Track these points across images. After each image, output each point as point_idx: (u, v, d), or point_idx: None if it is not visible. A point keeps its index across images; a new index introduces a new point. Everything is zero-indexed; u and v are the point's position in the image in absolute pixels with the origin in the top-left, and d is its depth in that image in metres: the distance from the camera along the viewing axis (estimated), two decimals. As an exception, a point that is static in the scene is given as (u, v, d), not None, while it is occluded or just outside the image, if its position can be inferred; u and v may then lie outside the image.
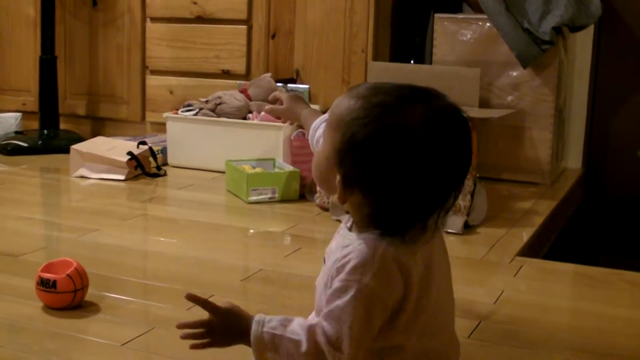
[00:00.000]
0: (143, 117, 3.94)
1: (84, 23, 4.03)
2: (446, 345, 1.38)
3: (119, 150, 3.27)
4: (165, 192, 3.16)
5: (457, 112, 1.28)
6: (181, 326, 1.33)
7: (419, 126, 1.23)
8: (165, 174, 3.32)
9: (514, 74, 3.29)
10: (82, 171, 3.25)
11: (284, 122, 2.71)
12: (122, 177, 3.18)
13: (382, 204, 1.26)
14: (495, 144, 3.31)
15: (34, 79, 4.07)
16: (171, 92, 3.80)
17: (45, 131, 3.87)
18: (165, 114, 3.47)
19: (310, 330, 1.26)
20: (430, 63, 3.42)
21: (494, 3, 3.23)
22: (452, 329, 1.40)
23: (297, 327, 1.27)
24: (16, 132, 3.95)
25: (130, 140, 3.48)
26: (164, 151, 3.46)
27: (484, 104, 3.24)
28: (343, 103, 1.29)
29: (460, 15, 3.40)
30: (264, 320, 1.29)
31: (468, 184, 2.61)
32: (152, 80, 3.88)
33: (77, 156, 3.28)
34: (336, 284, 1.25)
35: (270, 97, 2.04)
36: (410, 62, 3.55)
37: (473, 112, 3.07)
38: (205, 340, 1.32)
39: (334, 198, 1.35)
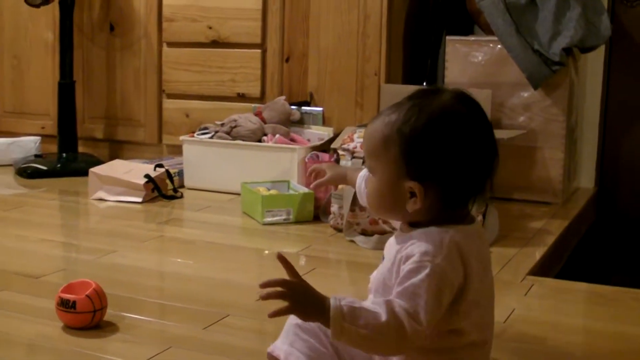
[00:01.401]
0: (160, 140, 3.98)
1: (101, 48, 4.09)
2: (491, 339, 1.47)
3: (136, 173, 3.31)
4: (181, 214, 3.20)
5: (469, 95, 1.41)
6: (264, 285, 1.31)
7: (454, 104, 1.37)
8: (181, 196, 3.36)
9: (525, 94, 3.32)
10: (100, 194, 3.30)
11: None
12: (140, 200, 3.23)
13: (451, 183, 1.36)
14: (507, 164, 3.32)
15: (52, 103, 4.13)
16: (187, 115, 3.85)
17: (64, 154, 3.92)
18: (181, 137, 3.52)
19: (388, 304, 1.30)
20: (443, 84, 3.46)
21: (504, 25, 3.27)
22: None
23: (373, 303, 1.31)
24: (35, 156, 4.00)
25: (147, 163, 3.52)
26: (180, 173, 3.50)
27: (495, 124, 3.26)
28: (375, 126, 1.40)
29: (472, 37, 3.44)
30: (340, 297, 1.31)
31: (480, 204, 2.64)
32: (168, 104, 3.93)
33: (96, 179, 3.33)
34: (408, 266, 1.32)
35: (310, 173, 2.05)
36: (422, 84, 3.58)
37: (485, 133, 3.10)
38: (284, 305, 1.30)
39: (413, 208, 1.38)
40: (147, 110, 3.99)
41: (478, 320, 1.40)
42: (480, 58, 3.37)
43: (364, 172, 1.75)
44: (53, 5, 3.91)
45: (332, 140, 3.11)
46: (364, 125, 3.12)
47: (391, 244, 1.45)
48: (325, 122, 3.49)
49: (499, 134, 3.09)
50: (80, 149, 4.02)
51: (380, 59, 3.44)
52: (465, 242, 1.36)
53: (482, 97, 3.15)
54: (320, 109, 3.54)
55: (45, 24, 4.22)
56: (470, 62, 3.38)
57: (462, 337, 1.38)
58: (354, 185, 1.83)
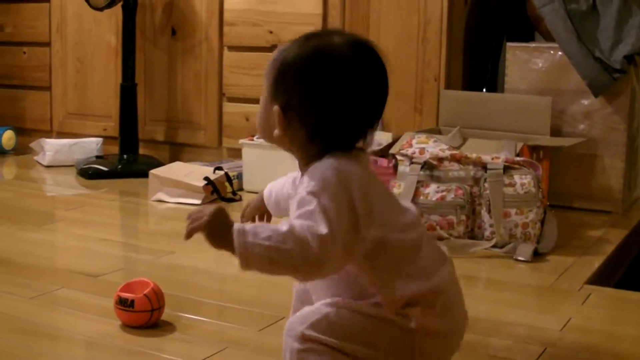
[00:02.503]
0: (220, 143, 4.01)
1: (163, 51, 4.14)
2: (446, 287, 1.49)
3: (196, 175, 3.34)
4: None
5: (370, 42, 1.47)
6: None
7: (337, 46, 1.43)
8: (240, 199, 3.38)
9: (586, 102, 3.29)
10: (160, 195, 3.34)
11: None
12: (199, 202, 3.25)
13: (318, 118, 1.42)
14: (567, 172, 3.31)
15: (114, 105, 4.18)
16: (247, 119, 3.87)
17: (125, 156, 3.98)
18: (241, 141, 3.54)
19: (289, 222, 1.34)
20: (502, 91, 3.44)
21: (565, 32, 3.25)
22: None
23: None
24: (97, 157, 4.06)
25: (207, 165, 3.56)
26: (239, 177, 3.53)
27: (555, 132, 3.25)
28: (274, 53, 1.49)
29: (532, 44, 3.42)
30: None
31: (538, 212, 2.63)
32: (228, 107, 3.96)
33: (156, 181, 3.36)
34: (301, 195, 1.37)
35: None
36: (482, 91, 3.57)
37: (545, 140, 3.09)
38: (197, 222, 1.36)
39: (275, 134, 1.45)
40: (208, 113, 4.02)
41: (396, 262, 1.43)
42: (540, 65, 3.35)
43: (269, 185, 1.80)
44: (116, 8, 3.96)
45: (390, 145, 3.11)
46: (424, 131, 3.13)
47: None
48: (384, 127, 3.49)
49: (559, 141, 3.10)
50: (141, 151, 4.07)
51: (440, 65, 3.43)
52: (352, 164, 1.41)
53: (542, 104, 3.15)
54: (379, 114, 3.52)
55: (108, 27, 4.29)
56: (530, 68, 3.37)
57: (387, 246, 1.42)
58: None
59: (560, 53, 3.29)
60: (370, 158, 1.51)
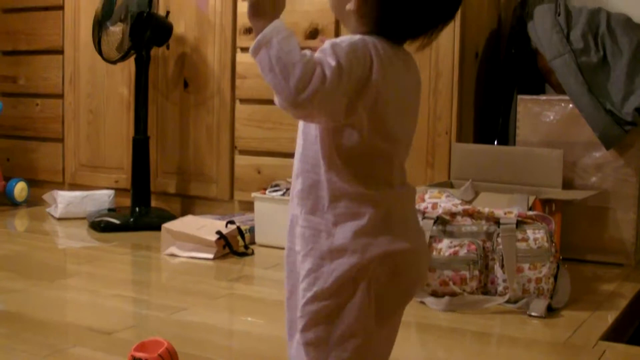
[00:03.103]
0: (231, 196, 4.02)
1: (175, 104, 4.16)
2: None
3: (208, 229, 3.35)
4: (252, 271, 3.22)
5: None
6: None
7: None
8: (252, 253, 3.39)
9: (597, 154, 3.30)
10: (173, 249, 3.34)
11: None
12: (211, 256, 3.26)
13: (387, 9, 1.39)
14: (579, 225, 3.31)
15: (127, 157, 4.20)
16: (259, 172, 3.88)
17: (137, 208, 3.98)
18: (253, 194, 3.55)
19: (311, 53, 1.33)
20: (514, 144, 3.45)
21: (576, 84, 3.26)
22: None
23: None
24: (109, 209, 4.08)
25: (219, 219, 3.56)
26: (251, 230, 3.54)
27: (567, 184, 3.25)
28: None
29: (543, 97, 3.44)
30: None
31: (552, 266, 2.63)
32: (240, 160, 3.97)
33: (168, 235, 3.37)
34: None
35: None
36: (493, 143, 3.58)
37: (556, 193, 3.09)
38: None
39: (348, 8, 1.42)
40: (219, 166, 4.04)
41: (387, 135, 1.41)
42: (552, 117, 3.36)
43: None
44: (129, 61, 3.99)
45: (402, 199, 3.11)
46: (436, 185, 3.13)
47: None
48: (395, 180, 3.49)
49: (571, 194, 3.10)
50: (153, 204, 4.08)
51: (452, 118, 3.43)
52: (386, 52, 1.39)
53: (554, 156, 3.15)
54: (391, 167, 3.52)
55: (121, 79, 4.32)
56: (541, 121, 3.38)
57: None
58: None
59: (571, 105, 3.31)
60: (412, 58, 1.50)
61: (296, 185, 1.46)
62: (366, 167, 1.41)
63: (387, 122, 1.39)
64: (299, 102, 1.29)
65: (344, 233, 1.39)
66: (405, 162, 1.49)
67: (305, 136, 1.45)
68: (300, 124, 1.48)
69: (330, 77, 1.29)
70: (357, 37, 1.37)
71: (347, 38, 1.36)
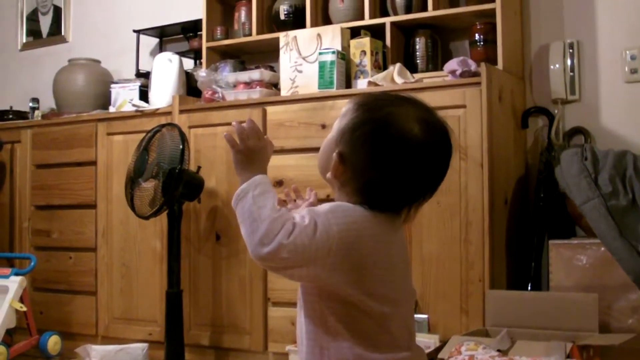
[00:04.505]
0: (265, 348, 3.99)
1: (207, 257, 4.19)
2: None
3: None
4: None
5: (443, 124, 1.53)
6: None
7: (411, 119, 1.50)
8: (288, 407, 3.36)
9: (633, 297, 3.27)
10: (208, 406, 3.32)
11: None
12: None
13: (371, 180, 1.49)
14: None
15: (160, 310, 4.21)
16: (293, 324, 3.86)
17: (171, 362, 3.97)
18: (287, 347, 3.54)
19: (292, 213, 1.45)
20: (547, 289, 3.44)
21: (607, 228, 3.27)
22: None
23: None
24: (143, 364, 4.07)
25: (254, 372, 3.55)
26: (286, 383, 3.52)
27: (604, 328, 3.22)
28: (354, 98, 1.58)
29: (575, 241, 3.44)
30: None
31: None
32: (274, 312, 3.96)
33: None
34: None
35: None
36: (527, 289, 3.57)
37: (594, 339, 3.07)
38: (239, 143, 1.52)
39: (328, 177, 1.55)
40: (253, 318, 4.03)
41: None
42: (584, 261, 3.36)
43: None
44: (161, 216, 4.04)
45: (439, 349, 3.09)
46: (471, 333, 3.12)
47: None
48: (430, 329, 3.47)
49: (609, 339, 3.08)
50: (187, 356, 4.06)
51: (484, 265, 3.42)
52: (375, 216, 1.49)
53: (589, 300, 3.14)
54: (425, 316, 3.50)
55: (153, 233, 4.36)
56: (574, 265, 3.37)
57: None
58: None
59: (603, 248, 3.30)
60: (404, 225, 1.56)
61: (302, 349, 1.54)
62: (364, 331, 1.45)
63: (377, 285, 1.44)
64: (262, 254, 1.42)
65: None
66: (412, 325, 1.52)
67: (303, 303, 1.56)
68: (299, 297, 1.58)
69: (297, 233, 1.37)
70: (342, 210, 1.47)
71: (331, 203, 1.46)
